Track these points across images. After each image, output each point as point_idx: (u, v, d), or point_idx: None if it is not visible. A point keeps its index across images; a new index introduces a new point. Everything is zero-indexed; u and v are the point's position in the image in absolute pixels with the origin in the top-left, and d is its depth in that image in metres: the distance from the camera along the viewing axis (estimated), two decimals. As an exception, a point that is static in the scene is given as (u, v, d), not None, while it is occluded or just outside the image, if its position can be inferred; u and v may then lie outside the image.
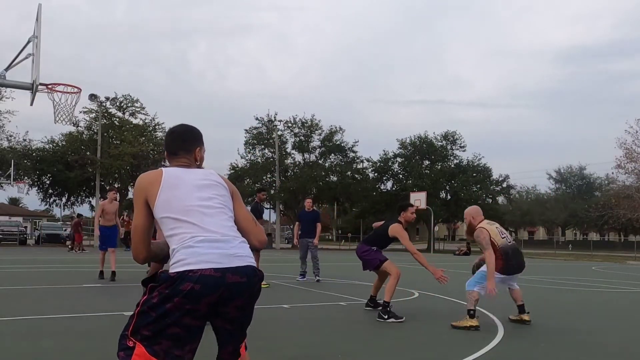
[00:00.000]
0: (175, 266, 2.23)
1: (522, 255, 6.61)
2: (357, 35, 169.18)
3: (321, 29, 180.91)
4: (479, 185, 46.08)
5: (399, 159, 47.03)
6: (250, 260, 2.33)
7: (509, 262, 6.35)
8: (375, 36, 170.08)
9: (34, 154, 38.45)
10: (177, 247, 2.27)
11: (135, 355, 2.16)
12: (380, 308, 6.79)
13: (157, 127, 40.68)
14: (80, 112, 38.12)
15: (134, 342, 2.18)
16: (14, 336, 5.26)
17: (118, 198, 12.35)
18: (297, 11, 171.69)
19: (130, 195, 38.95)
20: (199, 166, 2.62)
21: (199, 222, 2.31)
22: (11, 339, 5.11)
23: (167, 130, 2.43)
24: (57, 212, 71.15)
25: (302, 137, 44.49)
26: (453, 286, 11.25)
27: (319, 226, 12.43)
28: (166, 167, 2.54)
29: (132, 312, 2.25)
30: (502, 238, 6.41)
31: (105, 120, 38.15)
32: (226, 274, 2.21)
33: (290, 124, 44.39)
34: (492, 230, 6.38)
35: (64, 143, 39.81)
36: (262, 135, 44.49)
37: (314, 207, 13.00)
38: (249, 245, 2.42)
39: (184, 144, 2.57)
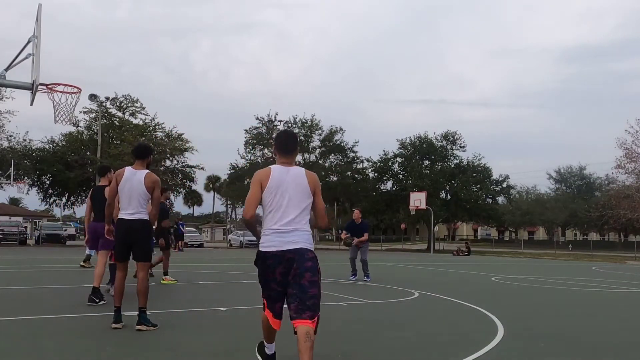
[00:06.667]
0: (261, 246, 3.67)
1: None
2: (360, 35, 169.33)
3: (324, 28, 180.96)
4: (479, 185, 46.03)
5: (399, 159, 46.99)
6: (302, 245, 3.62)
7: None
8: (378, 36, 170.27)
9: (34, 154, 38.39)
10: (264, 232, 3.68)
11: (265, 307, 3.76)
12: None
13: (157, 127, 40.63)
14: (80, 112, 38.18)
15: (264, 299, 3.74)
16: (14, 336, 5.26)
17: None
18: (301, 10, 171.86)
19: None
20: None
21: (279, 218, 3.64)
22: (11, 339, 5.11)
23: (279, 131, 4.94)
24: (57, 212, 71.19)
25: (302, 137, 44.45)
26: (453, 286, 11.25)
27: (365, 236, 12.79)
28: (273, 165, 3.74)
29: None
30: None
31: (105, 120, 38.14)
32: (285, 253, 3.59)
33: (290, 124, 44.39)
34: None
35: (64, 143, 39.80)
36: (262, 135, 44.47)
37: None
38: (309, 233, 3.69)
39: (296, 147, 3.90)
